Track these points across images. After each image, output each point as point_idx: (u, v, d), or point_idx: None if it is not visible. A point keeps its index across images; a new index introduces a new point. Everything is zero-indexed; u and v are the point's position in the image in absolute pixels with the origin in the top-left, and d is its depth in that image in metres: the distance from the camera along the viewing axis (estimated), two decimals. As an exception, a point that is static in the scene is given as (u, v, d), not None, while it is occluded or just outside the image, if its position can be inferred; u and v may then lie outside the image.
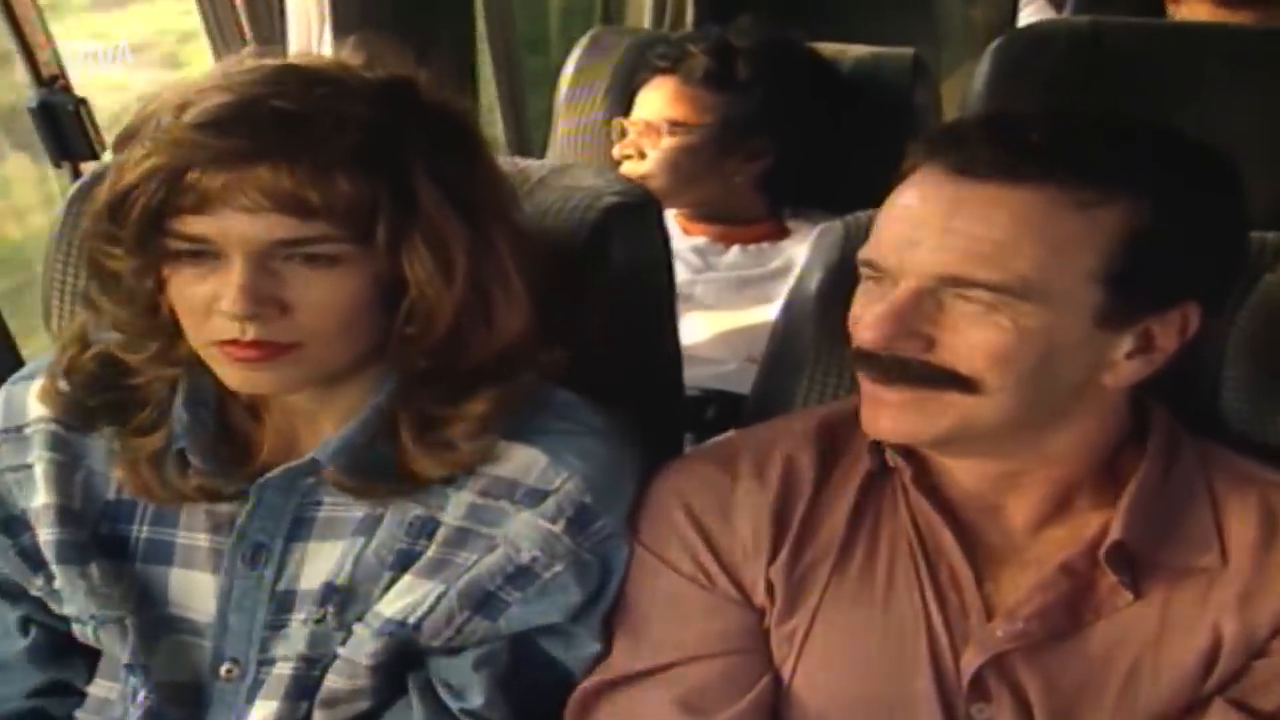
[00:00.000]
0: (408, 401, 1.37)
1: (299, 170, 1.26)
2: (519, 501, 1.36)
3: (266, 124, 1.27)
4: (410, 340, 1.35)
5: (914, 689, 1.32)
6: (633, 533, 1.41)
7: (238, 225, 1.27)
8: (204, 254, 1.29)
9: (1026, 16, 3.68)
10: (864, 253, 1.31)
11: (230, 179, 1.26)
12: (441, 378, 1.36)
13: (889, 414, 1.28)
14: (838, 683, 1.34)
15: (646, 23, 3.49)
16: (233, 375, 1.33)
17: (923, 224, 1.25)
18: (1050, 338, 1.23)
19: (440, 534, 1.38)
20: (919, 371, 1.25)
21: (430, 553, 1.38)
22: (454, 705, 1.39)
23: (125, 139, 1.33)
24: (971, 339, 1.23)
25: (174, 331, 1.36)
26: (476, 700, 1.38)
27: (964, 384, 1.24)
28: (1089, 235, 1.23)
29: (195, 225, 1.28)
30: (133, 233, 1.30)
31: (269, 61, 1.37)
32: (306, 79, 1.32)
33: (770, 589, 1.36)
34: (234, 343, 1.30)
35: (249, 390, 1.36)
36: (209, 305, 1.30)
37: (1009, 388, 1.24)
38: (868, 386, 1.29)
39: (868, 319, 1.26)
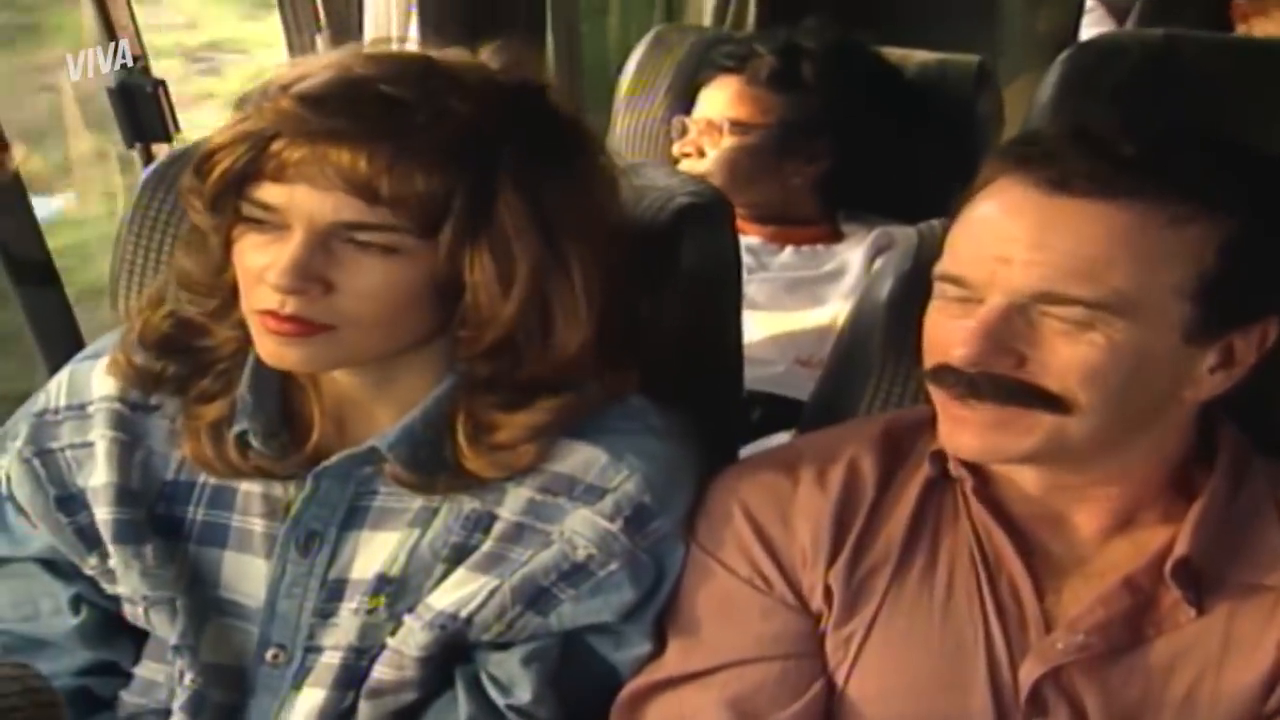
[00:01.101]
0: (465, 402, 1.37)
1: (379, 157, 1.26)
2: (577, 498, 1.36)
3: (364, 106, 1.27)
4: (461, 343, 1.35)
5: (970, 700, 1.31)
6: (690, 534, 1.40)
7: (307, 200, 1.28)
8: (270, 223, 1.30)
9: (1086, 27, 3.67)
10: (947, 268, 1.29)
11: (309, 153, 1.27)
12: (499, 386, 1.36)
13: (974, 432, 1.27)
14: (892, 691, 1.33)
15: (707, 21, 3.49)
16: (265, 345, 1.33)
17: (1013, 240, 1.24)
18: (1141, 354, 1.23)
19: (497, 529, 1.37)
20: (1011, 388, 1.24)
21: (486, 547, 1.37)
22: (501, 701, 1.38)
23: (243, 103, 1.34)
24: (1064, 356, 1.23)
25: (234, 293, 1.37)
26: (524, 696, 1.37)
27: (1054, 402, 1.23)
28: (1181, 250, 1.23)
29: (268, 193, 1.29)
30: (211, 191, 1.32)
31: (405, 50, 1.39)
32: (427, 71, 1.32)
33: (828, 594, 1.36)
34: (272, 314, 1.30)
35: (276, 364, 1.35)
36: (261, 273, 1.30)
37: (1099, 406, 1.23)
38: (950, 405, 1.28)
39: (959, 335, 1.25)
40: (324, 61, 1.33)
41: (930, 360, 1.30)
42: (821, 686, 1.35)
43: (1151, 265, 1.22)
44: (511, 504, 1.37)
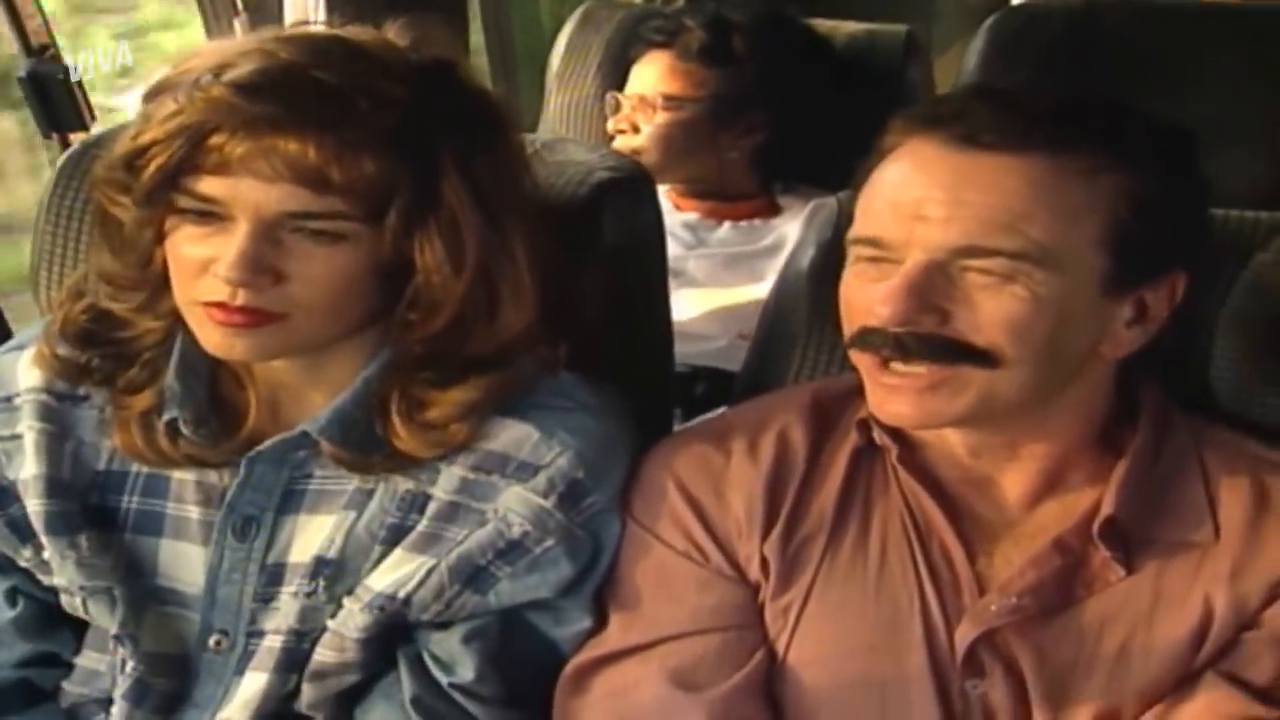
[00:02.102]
0: (398, 381, 1.36)
1: (327, 146, 1.26)
2: (510, 476, 1.36)
3: (304, 94, 1.26)
4: (411, 326, 1.34)
5: (907, 665, 1.32)
6: (626, 509, 1.41)
7: (252, 192, 1.26)
8: (210, 215, 1.29)
9: (1019, -7, 3.68)
10: (862, 230, 1.30)
11: (255, 145, 1.25)
12: (435, 364, 1.36)
13: (908, 399, 1.27)
14: (831, 659, 1.34)
15: (639, -4, 3.48)
16: (211, 337, 1.32)
17: (929, 197, 1.25)
18: (1063, 306, 1.24)
19: (431, 508, 1.37)
20: (937, 346, 1.24)
21: (421, 527, 1.37)
22: (444, 679, 1.38)
23: (157, 92, 1.32)
24: (988, 310, 1.23)
25: (162, 285, 1.36)
26: (466, 675, 1.38)
27: (981, 357, 1.24)
28: (1095, 202, 1.24)
29: (210, 186, 1.28)
30: (145, 186, 1.30)
31: (315, 30, 1.37)
32: (351, 53, 1.31)
33: (764, 565, 1.36)
34: (221, 306, 1.29)
35: (224, 355, 1.34)
36: (204, 265, 1.29)
37: (1026, 359, 1.24)
38: (878, 372, 1.28)
39: (879, 295, 1.25)
40: (241, 47, 1.31)
41: (852, 326, 1.30)
42: (762, 657, 1.35)
43: (1068, 216, 1.23)
44: (445, 483, 1.37)
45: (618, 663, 1.38)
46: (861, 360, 1.30)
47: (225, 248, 1.27)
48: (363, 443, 1.37)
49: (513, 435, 1.37)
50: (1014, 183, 1.23)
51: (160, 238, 1.33)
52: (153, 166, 1.28)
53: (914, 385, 1.26)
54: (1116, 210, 1.25)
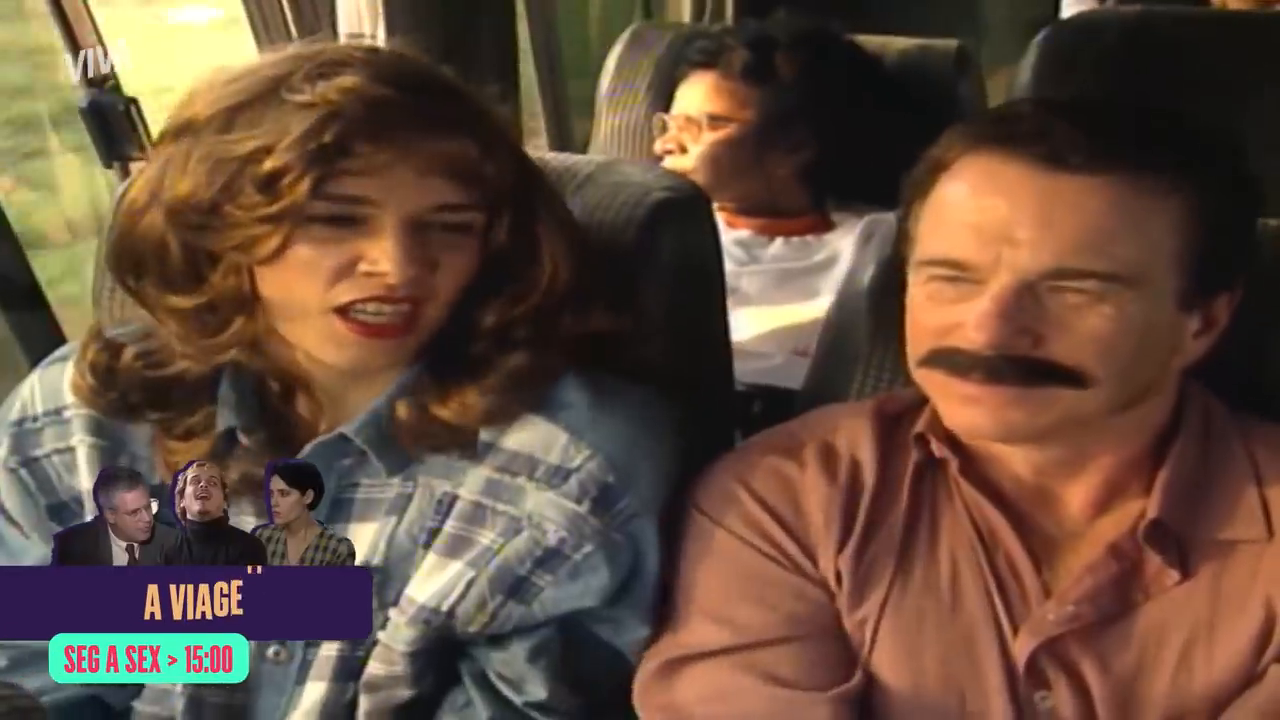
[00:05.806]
0: (450, 360, 1.38)
1: (478, 142, 1.30)
2: (538, 479, 1.36)
3: (442, 94, 1.31)
4: (528, 309, 1.37)
5: (985, 679, 1.31)
6: (703, 513, 1.40)
7: (404, 186, 1.28)
8: (346, 217, 1.29)
9: (1069, 7, 3.67)
10: (938, 252, 1.28)
11: (411, 144, 1.27)
12: (494, 337, 1.38)
13: (989, 410, 1.26)
14: (910, 673, 1.34)
15: (686, 17, 3.49)
16: (344, 349, 1.32)
17: (1017, 220, 1.24)
18: (1146, 324, 1.24)
19: (457, 508, 1.38)
20: (1032, 368, 1.24)
21: (448, 528, 1.37)
22: (517, 699, 1.38)
23: (242, 111, 1.30)
24: (1078, 331, 1.23)
25: (229, 310, 1.35)
26: (539, 693, 1.37)
27: (1070, 378, 1.24)
28: (1173, 219, 1.25)
29: (356, 187, 1.28)
30: (287, 204, 1.27)
31: (368, 44, 1.41)
32: (423, 61, 1.37)
33: (838, 577, 1.36)
34: (368, 303, 1.30)
35: (352, 363, 1.34)
36: (344, 269, 1.29)
37: (1111, 377, 1.24)
38: (957, 384, 1.27)
39: (972, 319, 1.24)
40: (328, 57, 1.31)
41: (925, 345, 1.29)
42: (858, 662, 1.35)
43: (1150, 234, 1.24)
44: (471, 484, 1.37)
45: (707, 662, 1.36)
46: (934, 377, 1.29)
47: (370, 246, 1.28)
48: (408, 426, 1.38)
49: (540, 436, 1.37)
50: (1099, 203, 1.23)
51: (252, 257, 1.31)
52: (305, 184, 1.26)
53: (999, 399, 1.25)
54: (1190, 228, 1.25)
